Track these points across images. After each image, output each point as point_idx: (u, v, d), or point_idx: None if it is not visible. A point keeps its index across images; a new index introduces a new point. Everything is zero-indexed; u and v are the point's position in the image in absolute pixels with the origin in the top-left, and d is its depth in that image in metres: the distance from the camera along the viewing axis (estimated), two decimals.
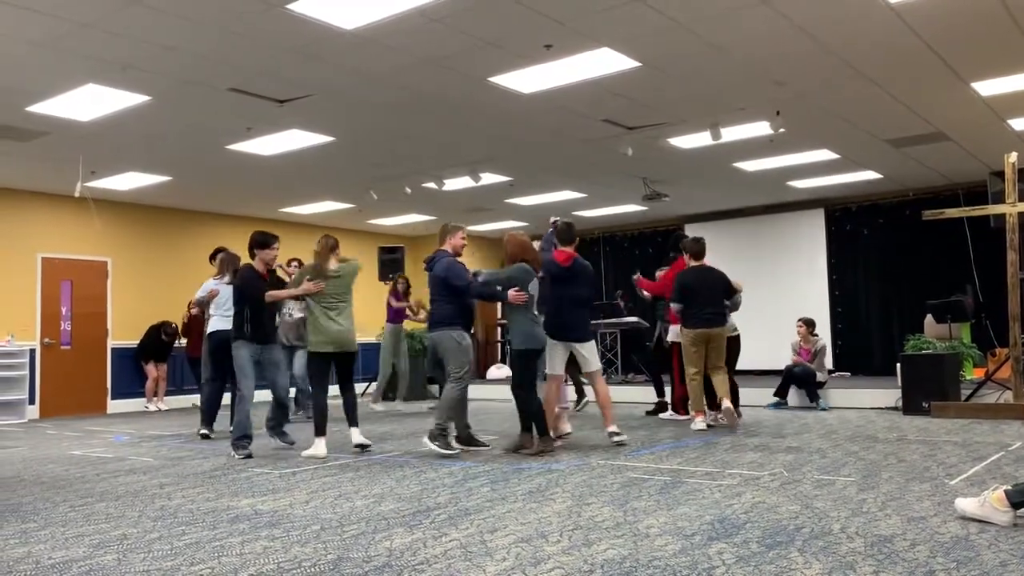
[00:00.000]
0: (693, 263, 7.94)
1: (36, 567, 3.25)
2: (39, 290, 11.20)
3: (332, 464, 5.88)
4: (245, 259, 7.05)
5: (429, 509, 4.17)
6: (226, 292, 7.47)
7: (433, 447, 6.18)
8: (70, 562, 3.31)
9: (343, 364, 6.53)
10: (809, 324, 9.84)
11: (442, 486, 4.83)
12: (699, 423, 7.57)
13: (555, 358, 6.61)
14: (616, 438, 6.53)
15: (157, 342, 11.79)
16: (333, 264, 6.51)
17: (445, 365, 6.37)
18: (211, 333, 7.71)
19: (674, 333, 8.27)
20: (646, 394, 10.58)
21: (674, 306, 7.83)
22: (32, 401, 10.85)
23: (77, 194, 9.45)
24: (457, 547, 3.38)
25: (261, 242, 6.74)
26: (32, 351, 11.00)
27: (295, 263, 9.12)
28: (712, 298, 7.70)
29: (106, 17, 5.73)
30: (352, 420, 6.56)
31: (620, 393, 11.41)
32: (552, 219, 7.32)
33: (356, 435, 6.52)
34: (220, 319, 7.59)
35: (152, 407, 11.83)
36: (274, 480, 5.23)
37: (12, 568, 3.24)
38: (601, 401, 6.74)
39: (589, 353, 6.70)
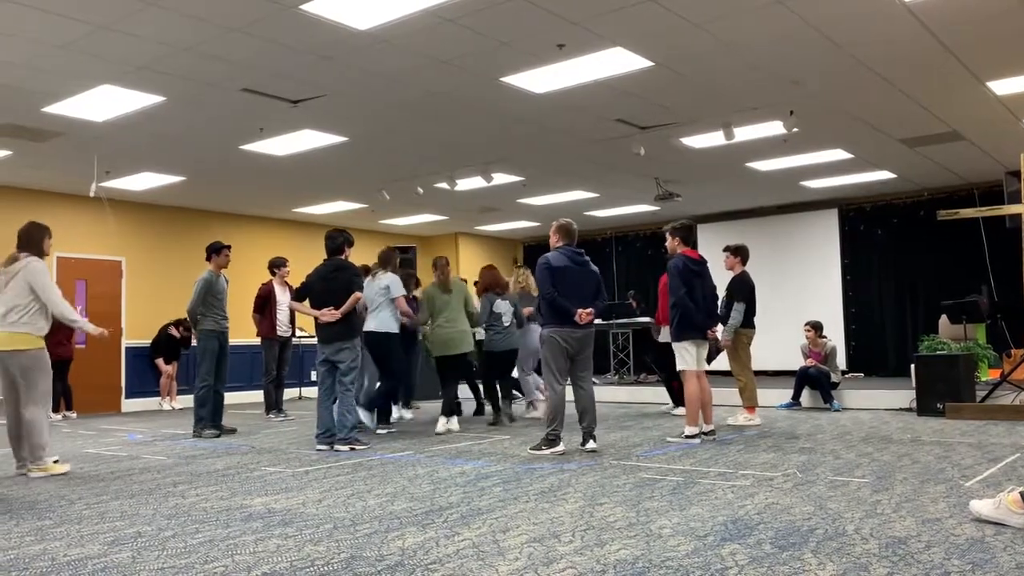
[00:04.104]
0: (741, 267, 8.15)
1: (52, 564, 3.27)
2: None
3: (344, 463, 5.89)
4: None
5: (441, 508, 4.17)
6: (370, 290, 7.65)
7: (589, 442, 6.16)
8: (85, 559, 3.33)
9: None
10: (816, 328, 9.80)
11: (454, 485, 4.84)
12: (753, 419, 7.88)
13: (690, 355, 6.75)
14: (712, 436, 6.81)
15: (168, 340, 11.89)
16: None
17: (588, 363, 6.23)
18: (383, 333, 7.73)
19: (665, 333, 8.59)
20: (656, 394, 10.58)
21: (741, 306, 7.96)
22: None
23: (92, 194, 9.52)
24: (469, 546, 3.38)
25: (353, 241, 7.17)
26: None
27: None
28: None
29: (121, 19, 5.77)
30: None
31: (630, 394, 11.41)
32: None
33: (440, 422, 7.79)
34: (373, 317, 7.69)
35: (166, 405, 11.92)
36: (287, 479, 5.25)
37: (28, 565, 3.26)
38: (704, 398, 6.85)
39: (705, 350, 6.95)
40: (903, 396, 9.13)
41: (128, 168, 10.17)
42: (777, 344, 11.59)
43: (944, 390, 8.45)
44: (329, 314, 6.72)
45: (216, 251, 8.17)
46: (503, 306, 8.32)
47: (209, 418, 7.93)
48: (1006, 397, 8.57)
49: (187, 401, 12.06)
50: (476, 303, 8.39)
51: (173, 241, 12.64)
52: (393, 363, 7.80)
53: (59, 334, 10.53)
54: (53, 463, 5.68)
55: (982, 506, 3.65)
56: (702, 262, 6.96)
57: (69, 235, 11.52)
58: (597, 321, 6.26)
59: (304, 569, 3.10)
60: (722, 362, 8.33)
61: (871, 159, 10.63)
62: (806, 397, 9.72)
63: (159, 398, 12.04)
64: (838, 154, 10.31)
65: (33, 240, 5.80)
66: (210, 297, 7.95)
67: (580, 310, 5.96)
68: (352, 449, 6.56)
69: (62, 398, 10.69)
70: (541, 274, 6.14)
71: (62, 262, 11.42)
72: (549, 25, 6.07)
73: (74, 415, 10.76)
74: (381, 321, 7.63)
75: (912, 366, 9.02)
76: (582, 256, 6.27)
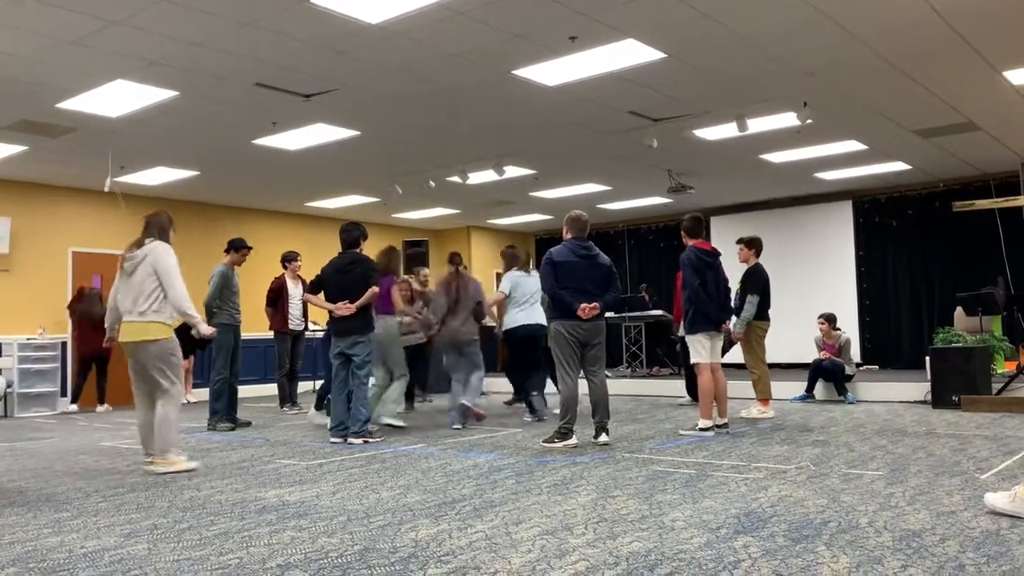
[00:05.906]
0: (755, 260, 8.12)
1: (69, 556, 3.30)
2: (70, 284, 11.36)
3: (358, 456, 5.92)
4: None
5: (454, 501, 4.19)
6: (532, 284, 7.72)
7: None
8: (102, 551, 3.36)
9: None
10: (830, 320, 9.76)
11: (467, 478, 4.85)
12: (767, 411, 7.90)
13: (703, 347, 6.75)
14: (725, 429, 6.78)
15: (188, 337, 11.96)
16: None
17: (600, 356, 6.25)
18: (516, 328, 7.83)
19: (681, 328, 8.53)
20: (668, 387, 10.57)
21: (755, 299, 7.90)
22: (64, 393, 11.01)
23: (107, 189, 9.57)
24: (482, 539, 3.39)
25: (368, 235, 7.21)
26: (63, 344, 11.16)
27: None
28: None
29: (135, 14, 5.79)
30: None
31: (642, 387, 11.40)
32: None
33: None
34: (521, 311, 7.77)
35: (181, 399, 11.98)
36: (301, 471, 5.28)
37: (46, 557, 3.29)
38: (719, 391, 6.83)
39: (719, 342, 6.95)
40: (918, 388, 9.08)
41: (142, 163, 10.21)
42: (791, 336, 11.54)
43: (959, 383, 8.40)
44: (345, 308, 6.73)
45: (236, 248, 8.24)
46: None
47: (224, 411, 7.98)
48: (1022, 389, 8.51)
49: (202, 394, 12.17)
50: None
51: (186, 235, 12.61)
52: (543, 353, 7.91)
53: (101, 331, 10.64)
54: (180, 459, 5.44)
55: (997, 499, 3.63)
56: (715, 254, 6.95)
57: (84, 230, 11.60)
58: (610, 314, 6.27)
59: (318, 561, 3.12)
60: (736, 354, 8.31)
61: (886, 150, 10.55)
62: (820, 389, 9.68)
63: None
64: (852, 145, 10.24)
65: (161, 227, 5.63)
66: (226, 291, 8.00)
67: (583, 304, 5.97)
68: (365, 442, 6.59)
69: (97, 392, 10.79)
70: (544, 270, 6.24)
71: (77, 257, 11.51)
72: (561, 17, 6.05)
73: (108, 408, 10.82)
74: (541, 314, 7.76)
75: (927, 358, 8.96)
76: (589, 249, 6.25)
